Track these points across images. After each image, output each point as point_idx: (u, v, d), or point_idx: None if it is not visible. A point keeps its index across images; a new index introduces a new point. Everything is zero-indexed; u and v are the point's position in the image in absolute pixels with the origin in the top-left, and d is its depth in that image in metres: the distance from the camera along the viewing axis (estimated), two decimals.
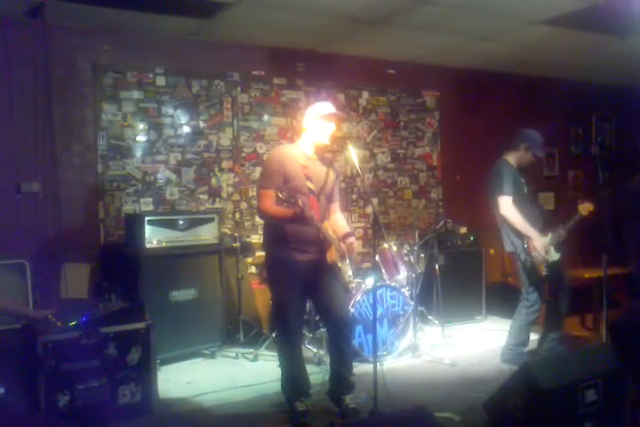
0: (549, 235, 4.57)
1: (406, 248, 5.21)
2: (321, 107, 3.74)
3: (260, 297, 5.66)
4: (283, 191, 3.39)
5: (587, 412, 2.97)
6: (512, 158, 4.63)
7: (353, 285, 3.95)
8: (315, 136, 3.70)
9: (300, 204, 3.37)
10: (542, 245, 4.44)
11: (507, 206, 4.45)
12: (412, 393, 4.01)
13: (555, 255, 4.56)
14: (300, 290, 3.65)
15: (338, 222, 3.90)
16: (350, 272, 3.80)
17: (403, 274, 5.00)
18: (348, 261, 3.77)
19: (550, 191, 7.54)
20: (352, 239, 3.79)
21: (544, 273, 4.45)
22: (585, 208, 4.58)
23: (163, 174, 5.43)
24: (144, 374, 3.56)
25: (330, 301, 3.68)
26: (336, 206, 3.94)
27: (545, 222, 4.67)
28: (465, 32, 5.53)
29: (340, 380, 3.75)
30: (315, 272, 3.63)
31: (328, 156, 3.86)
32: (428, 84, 6.82)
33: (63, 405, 3.28)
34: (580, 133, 7.98)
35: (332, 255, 3.64)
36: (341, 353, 3.76)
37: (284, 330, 3.73)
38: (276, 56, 5.91)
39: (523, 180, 4.62)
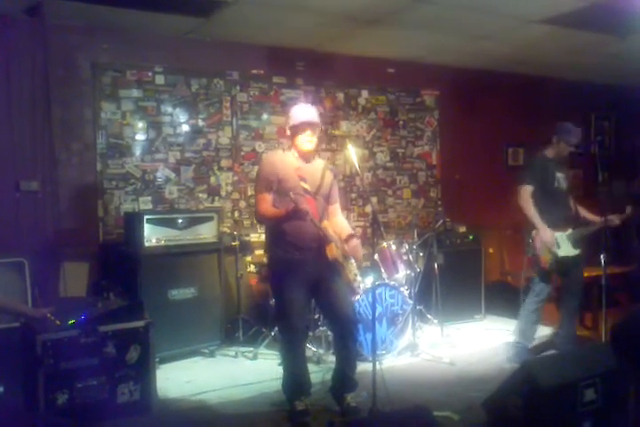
0: (569, 231, 4.57)
1: (405, 247, 5.21)
2: (295, 114, 3.71)
3: (260, 295, 5.66)
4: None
5: (585, 411, 2.98)
6: (550, 152, 4.71)
7: (358, 284, 3.91)
8: (296, 142, 3.71)
9: (292, 196, 3.38)
10: (548, 238, 4.45)
11: (523, 195, 4.51)
12: (411, 392, 4.01)
13: (571, 251, 4.56)
14: (302, 289, 3.63)
15: (340, 225, 3.87)
16: (356, 271, 3.79)
17: (402, 273, 5.02)
18: (353, 260, 3.76)
19: None
20: (356, 241, 3.77)
21: (547, 265, 4.48)
22: (612, 220, 4.56)
23: (162, 173, 5.43)
24: (143, 372, 3.55)
25: (334, 298, 3.67)
26: (336, 208, 3.91)
27: (572, 219, 4.66)
28: (464, 31, 5.53)
29: (344, 378, 3.74)
30: (316, 271, 3.62)
31: (313, 157, 3.85)
32: (428, 84, 6.82)
33: (62, 403, 3.28)
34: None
35: (332, 252, 3.57)
36: (347, 351, 3.74)
37: (286, 329, 3.71)
38: (276, 55, 5.90)
39: (560, 174, 4.64)
